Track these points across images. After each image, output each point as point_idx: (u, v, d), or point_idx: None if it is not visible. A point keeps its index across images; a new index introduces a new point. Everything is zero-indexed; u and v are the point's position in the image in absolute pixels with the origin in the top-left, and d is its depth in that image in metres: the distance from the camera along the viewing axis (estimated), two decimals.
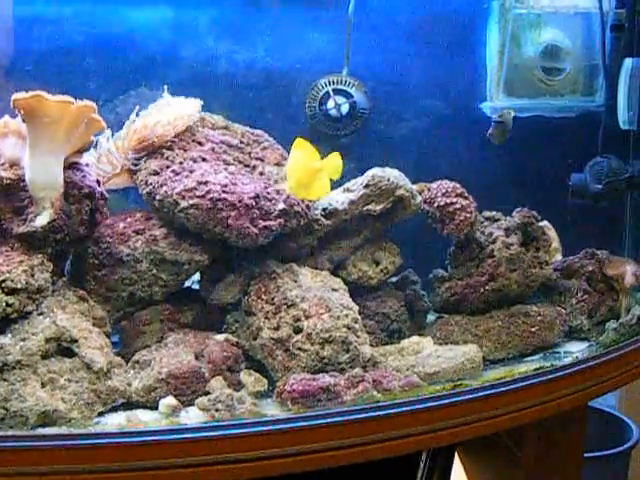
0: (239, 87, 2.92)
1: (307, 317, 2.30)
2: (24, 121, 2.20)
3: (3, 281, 2.12)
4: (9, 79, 2.76)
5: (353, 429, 2.12)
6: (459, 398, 2.26)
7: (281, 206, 2.35)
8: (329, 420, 2.10)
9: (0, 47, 2.79)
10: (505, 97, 3.18)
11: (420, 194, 2.64)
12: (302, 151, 2.35)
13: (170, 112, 2.49)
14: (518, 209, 2.78)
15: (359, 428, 2.12)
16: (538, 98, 3.21)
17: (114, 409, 2.17)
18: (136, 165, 2.43)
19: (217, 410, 2.11)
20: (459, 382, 2.35)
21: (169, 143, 2.45)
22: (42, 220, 2.20)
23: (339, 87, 2.98)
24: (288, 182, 2.34)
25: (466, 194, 2.67)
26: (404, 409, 2.18)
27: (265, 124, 2.67)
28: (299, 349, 2.27)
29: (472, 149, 2.75)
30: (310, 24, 2.99)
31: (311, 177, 2.35)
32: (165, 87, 2.55)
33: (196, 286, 2.54)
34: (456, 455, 2.86)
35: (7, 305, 2.12)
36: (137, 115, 2.48)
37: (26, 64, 2.76)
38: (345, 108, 2.98)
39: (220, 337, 2.37)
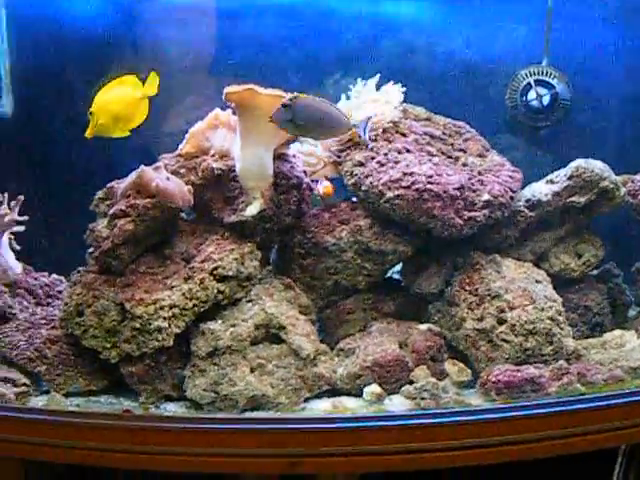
0: (439, 79, 2.93)
1: (511, 308, 2.30)
2: (234, 113, 2.28)
3: (215, 269, 2.21)
4: (213, 72, 2.84)
5: (557, 421, 2.11)
6: None
7: (486, 197, 2.35)
8: (534, 411, 2.10)
9: (204, 41, 2.87)
10: None
11: (624, 186, 2.59)
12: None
13: (375, 107, 2.52)
14: None
15: (563, 420, 2.11)
16: None
17: (318, 395, 2.22)
18: (340, 157, 2.46)
19: (422, 399, 2.13)
20: None
21: (373, 135, 2.47)
22: (252, 210, 2.27)
23: (541, 78, 2.95)
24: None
25: None
26: (608, 402, 2.16)
27: (466, 115, 2.66)
28: (503, 340, 2.27)
29: None
30: (509, 15, 2.97)
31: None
32: (359, 79, 2.58)
33: (397, 276, 2.57)
34: None
35: (218, 292, 2.21)
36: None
37: (229, 57, 2.85)
38: (547, 99, 2.95)
39: (423, 327, 2.39)
